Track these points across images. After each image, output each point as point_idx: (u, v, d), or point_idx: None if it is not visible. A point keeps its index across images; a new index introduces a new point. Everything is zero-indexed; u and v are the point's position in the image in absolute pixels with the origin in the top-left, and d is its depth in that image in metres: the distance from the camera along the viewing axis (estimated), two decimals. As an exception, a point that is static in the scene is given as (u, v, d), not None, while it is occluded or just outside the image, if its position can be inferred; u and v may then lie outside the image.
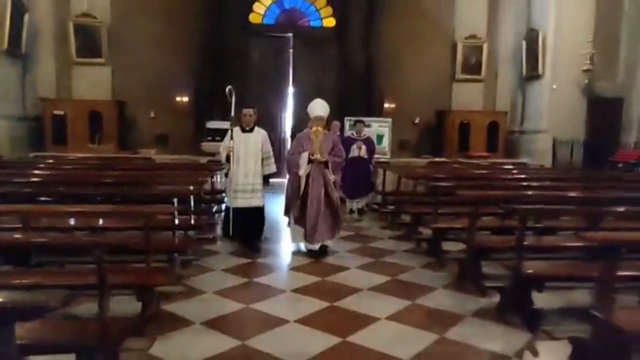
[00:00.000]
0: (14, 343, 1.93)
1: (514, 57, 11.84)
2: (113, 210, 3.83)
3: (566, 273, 3.47)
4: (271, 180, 5.87)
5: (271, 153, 5.71)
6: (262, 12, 11.30)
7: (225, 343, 3.12)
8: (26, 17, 10.12)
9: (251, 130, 5.60)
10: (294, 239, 5.57)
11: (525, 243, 3.66)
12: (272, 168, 5.72)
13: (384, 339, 3.24)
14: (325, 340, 3.19)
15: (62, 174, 6.01)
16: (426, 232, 5.71)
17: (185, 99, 11.41)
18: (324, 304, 3.84)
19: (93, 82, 11.08)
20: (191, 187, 4.48)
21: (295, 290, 4.20)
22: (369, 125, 9.58)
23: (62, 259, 3.88)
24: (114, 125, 10.74)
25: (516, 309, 3.52)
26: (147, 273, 3.25)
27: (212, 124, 10.18)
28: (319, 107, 5.48)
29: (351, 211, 7.81)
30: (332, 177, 5.35)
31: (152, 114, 11.34)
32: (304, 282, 4.42)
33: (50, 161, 7.73)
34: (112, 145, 9.95)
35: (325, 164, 5.33)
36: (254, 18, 11.24)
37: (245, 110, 5.59)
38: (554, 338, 3.11)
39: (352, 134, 8.33)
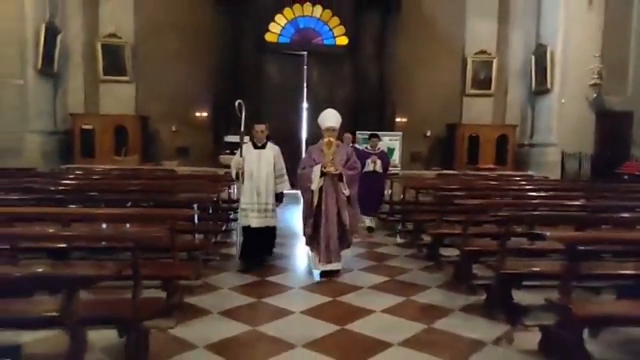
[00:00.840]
0: (76, 306, 2.46)
1: (523, 71, 12.26)
2: (141, 213, 4.38)
3: (541, 272, 3.88)
4: (284, 198, 5.62)
5: (284, 170, 5.45)
6: (278, 31, 12.01)
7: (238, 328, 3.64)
8: (59, 38, 11.06)
9: (263, 146, 5.36)
10: (315, 266, 5.13)
11: (510, 246, 4.10)
12: (286, 186, 5.48)
13: (378, 327, 3.70)
14: (324, 328, 3.68)
15: (92, 182, 6.68)
16: (427, 238, 6.14)
17: (205, 114, 12.14)
18: (326, 299, 4.33)
19: (118, 99, 11.95)
20: (211, 195, 5.05)
21: (304, 288, 4.69)
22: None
23: (97, 255, 4.30)
24: (138, 139, 11.52)
25: (499, 304, 3.94)
26: (173, 267, 3.81)
27: (230, 138, 10.81)
28: (330, 117, 5.17)
29: (369, 229, 7.50)
30: (346, 192, 5.03)
31: (174, 128, 12.09)
32: (309, 280, 4.88)
33: (80, 172, 8.44)
34: (136, 157, 10.70)
35: (340, 177, 5.01)
36: (269, 37, 11.95)
37: (257, 126, 5.34)
38: (530, 328, 3.54)
39: (367, 148, 8.02)
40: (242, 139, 5.33)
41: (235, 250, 5.55)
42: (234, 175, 5.43)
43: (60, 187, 5.72)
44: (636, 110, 10.83)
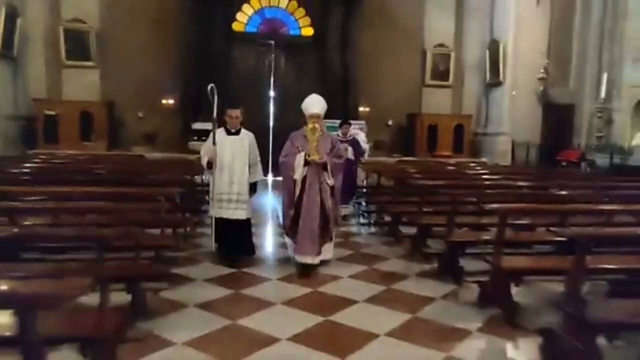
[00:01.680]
0: (37, 330, 2.03)
1: (478, 65, 13.17)
2: (118, 192, 4.51)
3: (481, 240, 4.58)
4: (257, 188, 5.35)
5: (259, 158, 5.19)
6: (245, 20, 12.35)
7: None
8: (18, 21, 10.94)
9: (237, 132, 5.01)
10: (291, 252, 5.01)
11: (455, 218, 4.80)
12: (260, 175, 5.26)
13: (345, 288, 4.29)
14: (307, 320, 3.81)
15: (62, 166, 6.94)
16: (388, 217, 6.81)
17: (171, 101, 12.34)
18: (307, 290, 4.29)
19: (82, 85, 11.92)
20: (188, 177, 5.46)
21: (282, 279, 4.55)
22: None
23: (48, 255, 3.91)
24: (104, 125, 11.61)
25: (447, 269, 4.63)
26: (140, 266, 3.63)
27: (198, 125, 11.12)
28: (315, 103, 4.93)
29: (344, 217, 7.22)
30: (330, 182, 4.81)
31: (140, 115, 12.23)
32: (286, 271, 4.75)
33: (45, 156, 8.53)
34: (104, 143, 10.82)
35: (324, 166, 4.78)
36: (237, 26, 12.28)
37: (231, 111, 4.98)
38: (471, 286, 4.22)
39: (338, 135, 7.84)
40: (214, 125, 4.88)
41: (207, 242, 5.31)
42: (204, 164, 4.96)
43: (31, 169, 5.97)
44: (577, 102, 11.93)
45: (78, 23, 11.79)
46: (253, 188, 5.14)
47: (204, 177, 7.01)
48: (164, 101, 12.29)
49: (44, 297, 2.05)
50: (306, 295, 4.16)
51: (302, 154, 4.76)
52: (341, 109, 12.24)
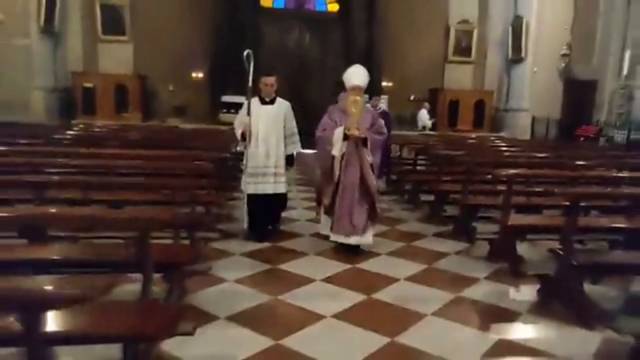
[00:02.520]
0: (40, 334, 1.68)
1: (501, 41, 13.33)
2: (171, 155, 5.09)
3: (492, 204, 5.08)
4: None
5: (296, 129, 4.92)
6: (273, -4, 12.78)
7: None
8: (59, -3, 11.57)
9: (272, 102, 4.77)
10: (324, 229, 4.80)
11: (469, 186, 5.33)
12: (297, 146, 4.97)
13: (374, 244, 4.86)
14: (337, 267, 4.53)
15: (116, 132, 7.62)
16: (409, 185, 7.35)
17: (201, 74, 12.94)
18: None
19: (117, 58, 12.60)
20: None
21: (319, 254, 4.47)
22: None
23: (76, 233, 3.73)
24: (138, 98, 12.32)
25: (462, 230, 5.18)
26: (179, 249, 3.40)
27: (227, 98, 11.72)
28: (358, 75, 4.62)
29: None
30: (369, 159, 4.52)
31: (171, 88, 12.87)
32: (323, 246, 4.64)
33: (99, 126, 9.22)
34: (138, 114, 11.52)
35: (364, 142, 4.48)
36: (264, 2, 12.72)
37: (266, 79, 4.71)
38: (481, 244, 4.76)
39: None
40: (249, 94, 4.61)
41: (240, 219, 5.00)
42: (238, 136, 4.76)
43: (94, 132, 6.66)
44: (599, 78, 12.10)
45: (113, -1, 12.38)
46: (290, 160, 4.91)
47: (238, 148, 6.55)
48: (193, 74, 12.90)
49: (51, 299, 1.68)
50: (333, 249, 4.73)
51: (341, 128, 4.47)
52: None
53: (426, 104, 12.36)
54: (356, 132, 4.42)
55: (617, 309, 3.31)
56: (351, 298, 3.55)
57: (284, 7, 12.86)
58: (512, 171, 4.25)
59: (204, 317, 3.10)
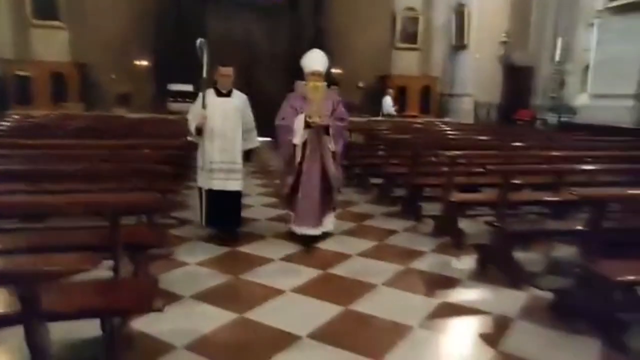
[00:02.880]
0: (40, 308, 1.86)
1: (445, 28, 13.96)
2: (129, 144, 5.14)
3: (437, 183, 5.48)
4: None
5: (254, 123, 4.72)
6: (218, -18, 12.65)
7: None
8: (-18, -21, 10.93)
9: (229, 94, 4.53)
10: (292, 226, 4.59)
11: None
12: (255, 141, 4.77)
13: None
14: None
15: (59, 123, 7.40)
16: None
17: (145, 62, 12.66)
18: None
19: (52, 44, 12.06)
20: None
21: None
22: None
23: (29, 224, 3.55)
24: (77, 86, 11.90)
25: (409, 209, 5.55)
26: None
27: (174, 86, 11.59)
28: (317, 59, 4.48)
29: None
30: (332, 146, 4.42)
31: (113, 76, 12.50)
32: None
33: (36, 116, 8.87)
34: (79, 104, 11.16)
35: (326, 129, 4.36)
36: (210, -12, 12.58)
37: (223, 69, 4.47)
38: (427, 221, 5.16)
39: None
40: (203, 86, 4.42)
41: (195, 216, 4.92)
42: (192, 130, 4.46)
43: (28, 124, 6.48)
44: (535, 65, 12.96)
45: (44, -19, 11.82)
46: (248, 156, 4.77)
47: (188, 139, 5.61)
48: (137, 62, 12.60)
49: (49, 272, 1.85)
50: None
51: (302, 115, 4.33)
52: (314, 71, 12.93)
53: (390, 91, 12.76)
54: (318, 120, 4.29)
55: (540, 271, 3.79)
56: (308, 274, 3.79)
57: (230, -5, 12.81)
58: (453, 152, 4.64)
59: (170, 297, 3.23)
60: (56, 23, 12.04)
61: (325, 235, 4.71)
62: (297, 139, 4.38)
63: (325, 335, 2.85)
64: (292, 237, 4.57)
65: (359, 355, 2.62)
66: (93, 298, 2.30)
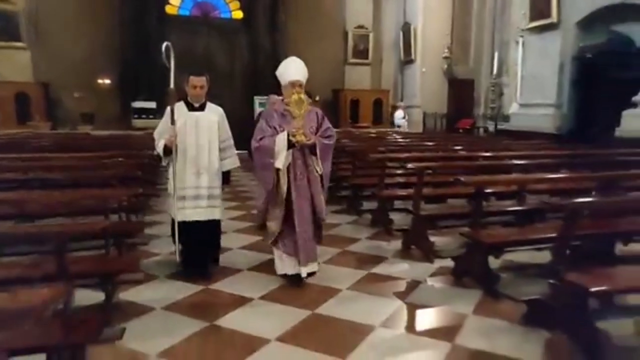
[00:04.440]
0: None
1: (394, 44, 15.25)
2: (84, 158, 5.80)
3: (407, 195, 6.33)
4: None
5: (231, 140, 4.18)
6: (177, 4, 13.50)
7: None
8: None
9: (202, 107, 3.99)
10: (282, 268, 3.92)
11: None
12: (234, 161, 4.22)
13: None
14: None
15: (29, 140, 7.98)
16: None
17: (108, 80, 13.30)
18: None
19: (13, 65, 12.50)
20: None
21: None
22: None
23: None
24: (41, 106, 12.40)
25: (379, 219, 5.78)
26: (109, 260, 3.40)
27: (138, 104, 12.28)
28: (297, 68, 3.97)
29: None
30: (319, 169, 3.87)
31: (77, 95, 13.05)
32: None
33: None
34: (48, 123, 11.67)
35: (311, 150, 3.83)
36: (170, 9, 13.41)
37: (194, 79, 3.89)
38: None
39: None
40: (171, 98, 3.89)
41: (160, 249, 4.62)
42: (160, 150, 3.89)
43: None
44: (476, 78, 14.36)
45: (5, 3, 12.28)
46: (226, 179, 4.18)
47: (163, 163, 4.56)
48: (100, 81, 13.22)
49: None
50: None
51: (284, 134, 3.75)
52: (272, 87, 13.84)
53: (401, 104, 13.83)
54: (303, 138, 3.73)
55: (447, 247, 4.78)
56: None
57: (189, 15, 13.65)
58: (421, 164, 4.89)
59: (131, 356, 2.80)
60: (17, 44, 12.50)
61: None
62: (280, 162, 3.75)
63: None
64: (279, 275, 3.98)
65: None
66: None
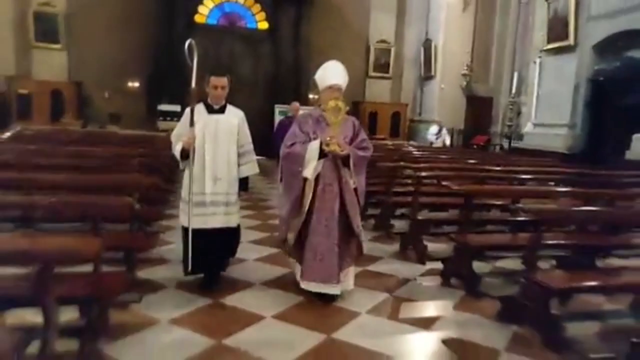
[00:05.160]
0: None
1: (415, 60, 15.65)
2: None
3: (408, 201, 6.74)
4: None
5: (251, 146, 3.99)
6: (206, 13, 14.23)
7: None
8: (-11, 5, 12.28)
9: (222, 110, 3.83)
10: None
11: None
12: (253, 167, 4.02)
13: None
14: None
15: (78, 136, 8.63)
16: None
17: (136, 84, 14.05)
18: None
19: (51, 65, 13.38)
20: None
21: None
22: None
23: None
24: (74, 104, 13.19)
25: (383, 225, 6.12)
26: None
27: (163, 107, 12.98)
28: (337, 72, 3.83)
29: None
30: (352, 182, 3.66)
31: (106, 95, 13.84)
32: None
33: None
34: (79, 121, 12.44)
35: (345, 161, 3.64)
36: (198, 18, 14.15)
37: (216, 80, 3.72)
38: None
39: (287, 117, 8.15)
40: (192, 98, 3.63)
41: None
42: (177, 153, 3.73)
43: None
44: (495, 96, 14.63)
45: (47, 7, 13.18)
46: (244, 185, 4.00)
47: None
48: (129, 84, 13.98)
49: (67, 252, 2.12)
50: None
51: (317, 142, 3.61)
52: (292, 97, 14.42)
53: (438, 120, 13.74)
54: (337, 148, 3.55)
55: (440, 251, 5.10)
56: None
57: (217, 24, 14.35)
58: (419, 165, 5.67)
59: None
60: (55, 46, 13.37)
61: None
62: (309, 172, 3.60)
63: None
64: (299, 290, 3.76)
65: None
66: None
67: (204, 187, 3.71)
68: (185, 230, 3.71)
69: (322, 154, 3.60)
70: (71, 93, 13.21)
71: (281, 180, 3.88)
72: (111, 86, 13.84)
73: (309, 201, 3.63)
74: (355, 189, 3.70)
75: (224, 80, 3.76)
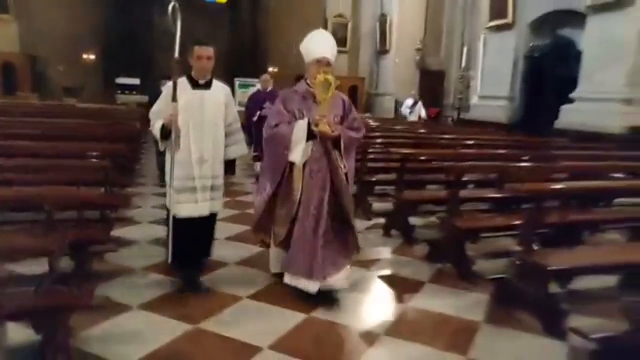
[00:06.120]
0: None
1: (371, 35, 16.20)
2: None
3: (386, 179, 7.22)
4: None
5: (239, 124, 3.67)
6: (163, -16, 14.22)
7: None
8: None
9: (208, 85, 3.42)
10: (274, 266, 3.63)
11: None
12: (242, 148, 3.71)
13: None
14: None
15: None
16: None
17: (92, 56, 13.99)
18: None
19: (1, 36, 13.10)
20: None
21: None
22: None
23: None
24: (27, 77, 13.05)
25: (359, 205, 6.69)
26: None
27: (121, 80, 13.05)
28: (325, 43, 3.53)
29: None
30: (344, 167, 3.34)
31: (60, 68, 13.73)
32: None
33: None
34: (33, 94, 12.37)
35: (335, 142, 3.32)
36: (155, -10, 14.11)
37: (200, 50, 3.32)
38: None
39: (259, 90, 7.66)
40: (175, 70, 3.21)
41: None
42: (157, 132, 3.34)
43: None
44: (446, 69, 15.44)
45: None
46: (230, 167, 3.72)
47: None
48: (84, 56, 13.90)
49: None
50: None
51: (304, 122, 3.28)
52: (251, 69, 14.78)
53: (413, 93, 13.22)
54: (327, 128, 3.22)
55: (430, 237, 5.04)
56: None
57: (174, -4, 14.37)
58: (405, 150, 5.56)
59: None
60: (5, 16, 13.09)
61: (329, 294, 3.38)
62: (297, 156, 3.27)
63: None
64: (286, 286, 3.40)
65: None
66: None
67: (192, 171, 3.32)
68: (168, 214, 3.42)
69: (310, 135, 3.27)
70: (24, 65, 13.04)
71: (259, 159, 3.67)
72: (66, 59, 13.73)
73: (299, 192, 3.28)
74: (346, 174, 3.35)
75: (209, 50, 3.35)
